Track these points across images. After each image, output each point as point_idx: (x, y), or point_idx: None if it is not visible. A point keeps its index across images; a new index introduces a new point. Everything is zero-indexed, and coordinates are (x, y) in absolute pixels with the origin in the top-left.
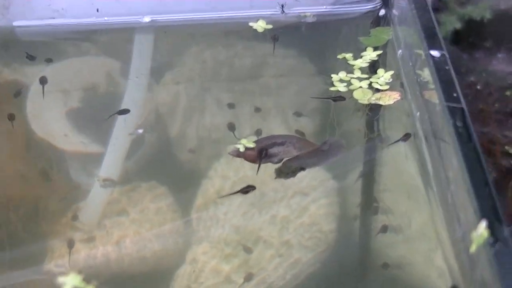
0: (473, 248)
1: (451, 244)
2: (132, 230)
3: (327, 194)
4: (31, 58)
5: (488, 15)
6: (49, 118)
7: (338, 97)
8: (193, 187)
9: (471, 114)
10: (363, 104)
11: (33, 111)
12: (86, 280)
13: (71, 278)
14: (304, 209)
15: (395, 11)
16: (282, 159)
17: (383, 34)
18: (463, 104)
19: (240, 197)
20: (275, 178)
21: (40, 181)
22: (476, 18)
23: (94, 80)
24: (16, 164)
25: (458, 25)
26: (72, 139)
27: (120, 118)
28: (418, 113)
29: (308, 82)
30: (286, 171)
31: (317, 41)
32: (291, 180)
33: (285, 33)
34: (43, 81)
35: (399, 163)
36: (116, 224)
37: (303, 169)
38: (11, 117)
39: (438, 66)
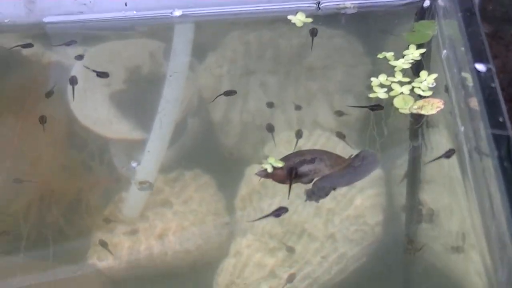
0: None
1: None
2: (176, 222)
3: (374, 184)
4: (69, 43)
5: None
6: (92, 103)
7: (376, 106)
8: (237, 176)
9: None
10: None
11: (77, 96)
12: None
13: None
14: (349, 201)
15: (440, 2)
16: (313, 179)
17: (428, 29)
18: (510, 132)
19: (285, 188)
20: (305, 200)
21: (82, 172)
22: None
23: (137, 62)
24: (58, 155)
25: None
26: (115, 126)
27: (163, 103)
28: (462, 128)
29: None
30: (317, 193)
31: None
32: None
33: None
34: (73, 81)
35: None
36: (159, 216)
37: (334, 189)
38: (42, 120)
39: (483, 84)
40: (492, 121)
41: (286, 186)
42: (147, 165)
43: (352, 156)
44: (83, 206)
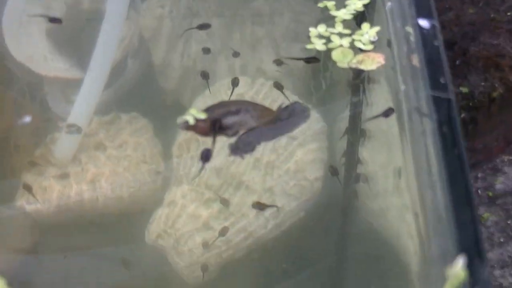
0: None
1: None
2: (109, 167)
3: (316, 138)
4: None
5: None
6: (27, 38)
7: (312, 59)
8: (175, 122)
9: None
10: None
11: (10, 29)
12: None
13: None
14: (290, 154)
15: None
16: (238, 131)
17: None
18: (451, 94)
19: (224, 137)
20: (229, 155)
21: (12, 111)
22: None
23: None
24: None
25: None
26: (50, 63)
27: (100, 41)
28: (403, 87)
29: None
30: (242, 148)
31: None
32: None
33: None
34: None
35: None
36: (92, 160)
37: (259, 143)
38: None
39: (426, 41)
40: (433, 82)
41: (224, 136)
42: (81, 106)
43: (281, 108)
44: (11, 146)
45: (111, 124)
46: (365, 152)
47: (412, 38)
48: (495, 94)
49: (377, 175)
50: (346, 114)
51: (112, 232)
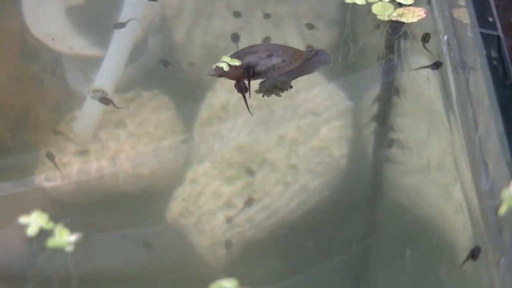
0: (503, 210)
1: (471, 180)
2: (129, 144)
3: (341, 116)
4: None
5: None
6: (47, 15)
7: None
8: (197, 100)
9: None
10: (383, 21)
11: (30, 7)
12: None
13: (37, 218)
14: (314, 131)
15: None
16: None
17: None
18: (500, 32)
19: (246, 114)
20: (263, 96)
21: (33, 86)
22: None
23: None
24: (8, 66)
25: None
26: (70, 40)
27: (122, 18)
28: (445, 37)
29: None
30: (279, 86)
31: None
32: (301, 98)
33: None
34: None
35: (421, 89)
36: (112, 137)
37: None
38: None
39: None
40: (481, 21)
41: (246, 113)
42: (102, 83)
43: (308, 51)
44: (31, 121)
45: (132, 101)
46: (397, 125)
47: None
48: None
49: (412, 149)
50: (376, 88)
51: (132, 211)
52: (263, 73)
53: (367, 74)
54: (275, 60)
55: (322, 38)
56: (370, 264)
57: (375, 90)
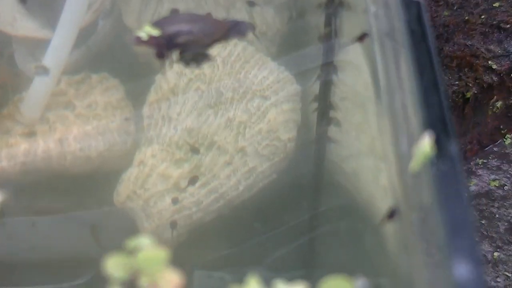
0: (413, 166)
1: (396, 161)
2: (77, 125)
3: (289, 99)
4: None
5: None
6: None
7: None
8: (146, 82)
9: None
10: None
11: None
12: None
13: None
14: (263, 114)
15: None
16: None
17: None
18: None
19: (195, 96)
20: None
21: None
22: None
23: None
24: None
25: None
26: (19, 23)
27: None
28: (372, 8)
29: None
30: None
31: None
32: (250, 80)
33: None
34: None
35: (357, 67)
36: (60, 118)
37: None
38: None
39: None
40: None
41: (195, 95)
42: (49, 63)
43: (229, 21)
44: None
45: (81, 83)
46: (337, 110)
47: None
48: (468, 95)
49: (351, 133)
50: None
51: (80, 193)
52: (184, 44)
53: (311, 53)
54: (196, 32)
55: (268, 17)
56: (315, 242)
57: (317, 70)
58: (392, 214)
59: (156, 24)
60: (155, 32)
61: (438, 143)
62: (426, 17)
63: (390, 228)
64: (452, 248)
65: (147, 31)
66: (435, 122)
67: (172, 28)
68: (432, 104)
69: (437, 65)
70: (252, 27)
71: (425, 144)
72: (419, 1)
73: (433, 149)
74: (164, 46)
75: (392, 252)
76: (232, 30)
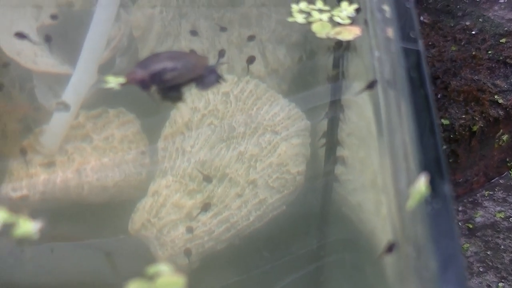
0: (410, 204)
1: (395, 197)
2: (94, 157)
3: (299, 134)
4: None
5: None
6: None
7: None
8: (162, 117)
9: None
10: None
11: (3, 24)
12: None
13: None
14: (273, 148)
15: None
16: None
17: None
18: (420, 46)
19: (209, 131)
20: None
21: (1, 99)
22: None
23: None
24: None
25: None
26: (40, 59)
27: (89, 38)
28: (376, 53)
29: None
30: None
31: None
32: (262, 116)
33: None
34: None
35: (361, 106)
36: (78, 150)
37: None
38: None
39: (398, 2)
40: (404, 36)
41: (208, 129)
42: (69, 99)
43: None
44: None
45: (98, 117)
46: (344, 146)
47: (387, 15)
48: (475, 128)
49: (356, 167)
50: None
51: (96, 221)
52: (169, 81)
53: (320, 91)
54: (180, 70)
55: (281, 56)
56: (321, 271)
57: (325, 108)
58: (390, 248)
59: (141, 64)
60: (119, 81)
61: (433, 183)
62: (424, 65)
63: (389, 260)
64: (443, 281)
65: (112, 80)
66: (430, 163)
67: (155, 67)
68: (428, 147)
69: (433, 110)
70: (219, 80)
71: (421, 184)
72: (419, 49)
73: (428, 189)
74: (150, 82)
75: (392, 284)
76: (206, 77)
